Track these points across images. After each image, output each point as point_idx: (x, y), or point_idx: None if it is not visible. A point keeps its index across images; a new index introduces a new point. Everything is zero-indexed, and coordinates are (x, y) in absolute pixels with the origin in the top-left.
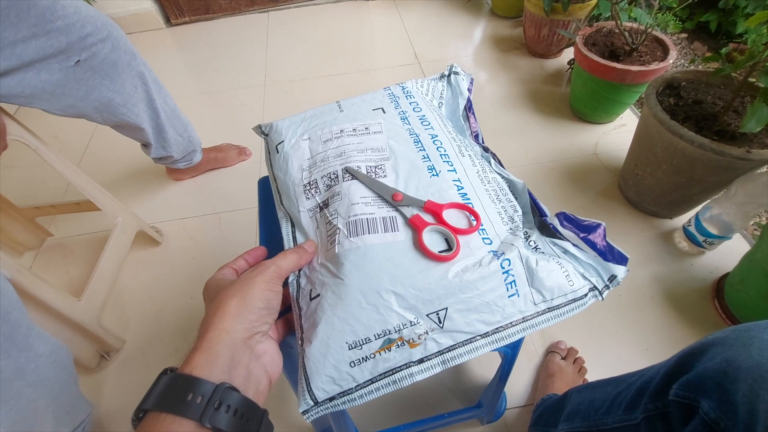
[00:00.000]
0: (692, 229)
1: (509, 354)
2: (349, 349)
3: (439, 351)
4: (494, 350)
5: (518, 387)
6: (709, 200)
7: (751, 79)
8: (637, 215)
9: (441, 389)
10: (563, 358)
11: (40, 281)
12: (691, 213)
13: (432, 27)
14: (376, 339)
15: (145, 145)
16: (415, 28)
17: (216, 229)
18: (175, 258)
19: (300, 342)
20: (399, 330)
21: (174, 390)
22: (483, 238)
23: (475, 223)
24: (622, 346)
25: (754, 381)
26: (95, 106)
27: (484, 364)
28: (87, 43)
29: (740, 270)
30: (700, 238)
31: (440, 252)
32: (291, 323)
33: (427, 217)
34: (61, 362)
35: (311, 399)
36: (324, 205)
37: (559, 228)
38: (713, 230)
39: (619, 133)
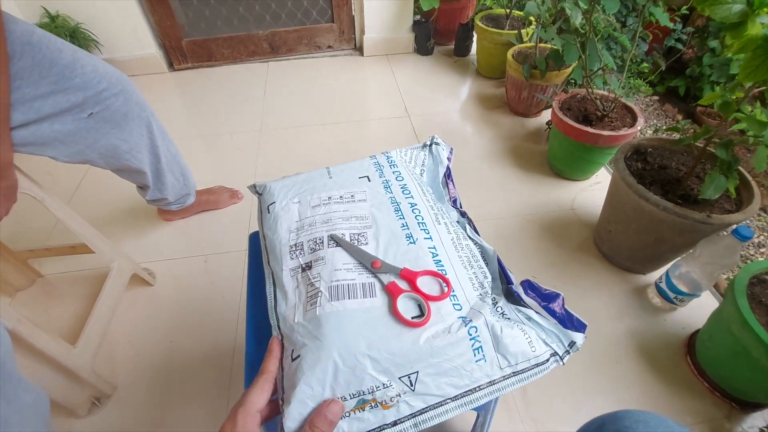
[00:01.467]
0: (664, 285)
1: (481, 412)
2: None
3: (411, 414)
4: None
5: None
6: (678, 258)
7: (710, 149)
8: (612, 270)
9: None
10: None
11: (39, 331)
12: (663, 270)
13: (422, 83)
14: (351, 398)
15: (142, 188)
16: (405, 83)
17: (202, 272)
18: (159, 299)
19: (281, 402)
20: (372, 392)
21: None
22: (453, 304)
23: (446, 289)
24: (597, 400)
25: None
26: (101, 153)
27: (465, 420)
28: (101, 97)
29: (709, 328)
30: (671, 295)
31: (413, 318)
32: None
33: (403, 284)
34: (42, 412)
35: None
36: (307, 267)
37: (523, 296)
38: (683, 288)
39: (594, 190)
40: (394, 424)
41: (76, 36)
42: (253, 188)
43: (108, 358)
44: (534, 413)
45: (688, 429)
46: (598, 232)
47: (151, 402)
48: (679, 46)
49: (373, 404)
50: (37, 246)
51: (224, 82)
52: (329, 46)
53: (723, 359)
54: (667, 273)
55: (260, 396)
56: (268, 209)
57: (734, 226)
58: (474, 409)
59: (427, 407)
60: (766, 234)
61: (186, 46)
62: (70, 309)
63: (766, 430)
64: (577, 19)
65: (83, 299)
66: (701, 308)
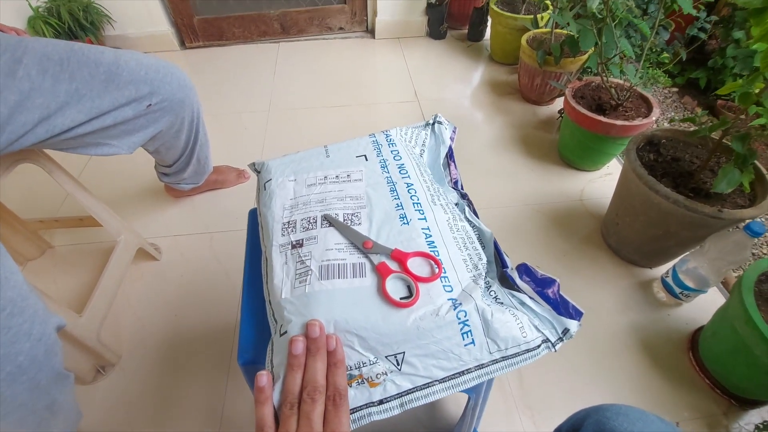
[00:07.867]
0: (670, 280)
1: (472, 395)
2: None
3: (398, 393)
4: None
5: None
6: (686, 253)
7: (726, 142)
8: (618, 263)
9: (415, 427)
10: None
11: (47, 299)
12: (670, 264)
13: (433, 68)
14: None
15: (167, 165)
16: (416, 67)
17: (207, 248)
18: (165, 274)
19: (272, 376)
20: (359, 367)
21: None
22: (444, 286)
23: (437, 270)
24: (595, 392)
25: None
26: (154, 137)
27: (460, 402)
28: (154, 87)
29: (713, 324)
30: (677, 290)
31: (401, 299)
32: None
33: (393, 265)
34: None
35: None
36: (298, 245)
37: (517, 281)
38: (690, 283)
39: (604, 181)
40: (380, 402)
41: (89, 11)
42: (252, 166)
43: (114, 329)
44: (530, 400)
45: (671, 421)
46: (606, 224)
47: (154, 372)
48: (702, 35)
49: (359, 380)
50: (47, 217)
51: (235, 62)
52: (341, 28)
53: (725, 356)
54: (674, 268)
55: None
56: (265, 186)
57: (746, 222)
58: (464, 391)
59: (413, 388)
60: None
61: (198, 24)
62: (78, 280)
63: (761, 426)
64: (595, 4)
65: (91, 271)
66: (707, 304)
